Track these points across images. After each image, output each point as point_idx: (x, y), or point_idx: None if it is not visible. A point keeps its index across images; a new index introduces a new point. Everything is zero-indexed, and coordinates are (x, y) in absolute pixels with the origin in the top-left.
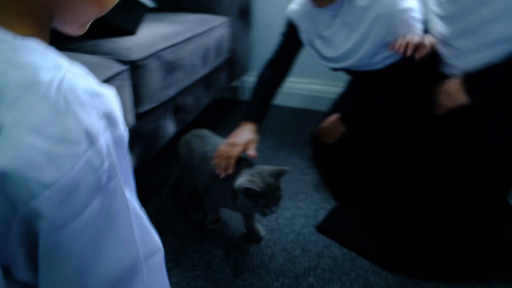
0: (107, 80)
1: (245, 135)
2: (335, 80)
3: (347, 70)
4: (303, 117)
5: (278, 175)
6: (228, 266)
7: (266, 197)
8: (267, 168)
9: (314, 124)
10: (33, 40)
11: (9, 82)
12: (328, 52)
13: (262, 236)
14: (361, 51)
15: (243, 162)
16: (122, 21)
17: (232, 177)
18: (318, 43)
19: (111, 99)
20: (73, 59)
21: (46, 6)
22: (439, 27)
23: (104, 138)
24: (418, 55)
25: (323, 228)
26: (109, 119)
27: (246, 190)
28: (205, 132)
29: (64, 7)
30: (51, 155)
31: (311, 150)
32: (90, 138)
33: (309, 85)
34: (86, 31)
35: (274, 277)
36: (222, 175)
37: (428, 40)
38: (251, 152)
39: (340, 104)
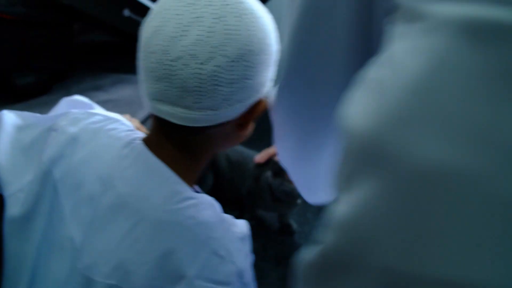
0: None
1: None
2: None
3: None
4: None
5: None
6: (268, 256)
7: None
8: None
9: None
10: (205, 197)
11: (188, 237)
12: None
13: (295, 229)
14: None
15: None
16: None
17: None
18: None
19: (248, 235)
20: None
21: (204, 157)
22: None
23: (249, 271)
24: None
25: None
26: (250, 254)
27: (274, 164)
28: (237, 146)
29: (212, 152)
30: None
31: None
32: (241, 275)
33: None
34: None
35: None
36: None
37: None
38: None
39: None
